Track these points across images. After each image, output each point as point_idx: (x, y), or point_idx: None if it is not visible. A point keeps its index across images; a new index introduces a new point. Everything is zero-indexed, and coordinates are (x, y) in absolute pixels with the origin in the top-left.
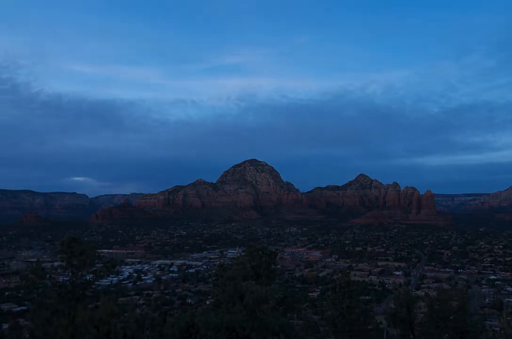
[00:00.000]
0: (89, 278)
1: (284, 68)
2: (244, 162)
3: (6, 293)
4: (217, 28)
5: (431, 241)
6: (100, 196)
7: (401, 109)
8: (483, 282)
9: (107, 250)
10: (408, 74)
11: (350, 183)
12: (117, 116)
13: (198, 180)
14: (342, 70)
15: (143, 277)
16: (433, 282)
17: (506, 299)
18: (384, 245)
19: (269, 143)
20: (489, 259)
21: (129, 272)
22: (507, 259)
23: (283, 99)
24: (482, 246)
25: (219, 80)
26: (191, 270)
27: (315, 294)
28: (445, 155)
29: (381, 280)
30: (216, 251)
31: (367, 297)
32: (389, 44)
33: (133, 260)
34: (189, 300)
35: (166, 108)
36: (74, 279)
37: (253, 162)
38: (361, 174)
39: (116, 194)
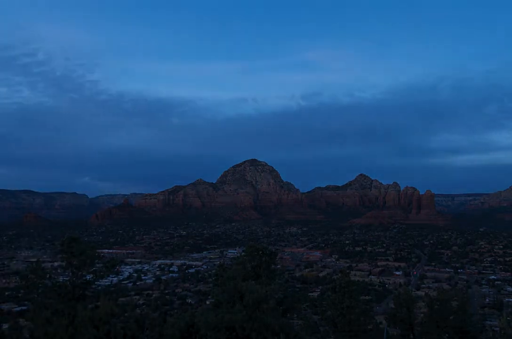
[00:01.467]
0: (89, 278)
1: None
2: (244, 162)
3: (6, 293)
4: (283, 24)
5: (431, 241)
6: (100, 196)
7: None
8: (483, 282)
9: (107, 250)
10: None
11: (350, 183)
12: (163, 115)
13: (198, 180)
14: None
15: (143, 277)
16: (433, 282)
17: (506, 299)
18: (384, 245)
19: (305, 142)
20: (489, 259)
21: (129, 272)
22: (507, 259)
23: (348, 98)
24: (482, 246)
25: (287, 77)
26: (191, 270)
27: (315, 294)
28: None
29: (381, 280)
30: (216, 251)
31: (367, 297)
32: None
33: (133, 260)
34: (189, 300)
35: (222, 106)
36: (74, 279)
37: (253, 162)
38: (361, 174)
39: (116, 194)
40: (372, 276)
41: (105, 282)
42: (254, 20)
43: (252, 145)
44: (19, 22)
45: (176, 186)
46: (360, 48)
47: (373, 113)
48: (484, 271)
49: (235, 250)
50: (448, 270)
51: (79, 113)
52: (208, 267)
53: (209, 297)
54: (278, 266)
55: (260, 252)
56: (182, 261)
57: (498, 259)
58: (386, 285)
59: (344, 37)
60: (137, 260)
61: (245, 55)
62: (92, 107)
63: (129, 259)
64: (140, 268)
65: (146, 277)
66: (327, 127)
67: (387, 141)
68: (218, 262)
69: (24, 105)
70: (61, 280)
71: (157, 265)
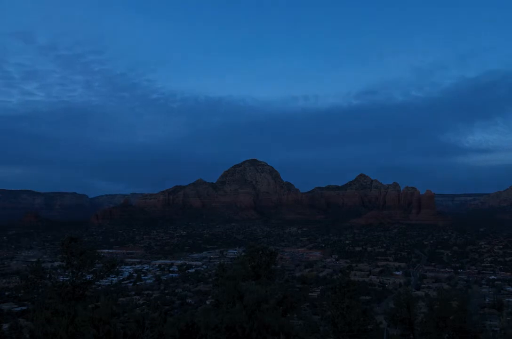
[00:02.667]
0: (89, 278)
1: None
2: (244, 162)
3: (6, 293)
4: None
5: (431, 241)
6: (100, 196)
7: None
8: (483, 282)
9: (107, 250)
10: None
11: (350, 183)
12: (206, 114)
13: (198, 180)
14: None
15: (143, 277)
16: (433, 282)
17: (506, 299)
18: (384, 245)
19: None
20: (489, 259)
21: (129, 272)
22: (507, 259)
23: (402, 97)
24: (482, 246)
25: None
26: (191, 270)
27: (315, 294)
28: None
29: (381, 280)
30: (216, 251)
31: (367, 297)
32: None
33: (133, 260)
34: (189, 300)
35: (268, 105)
36: (74, 279)
37: (253, 162)
38: (361, 174)
39: (116, 194)
40: (372, 276)
41: (105, 282)
42: (311, 18)
43: (261, 143)
44: (87, 20)
45: (176, 186)
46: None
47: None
48: (484, 271)
49: (235, 250)
50: (448, 270)
51: (122, 112)
52: (208, 267)
53: (209, 297)
54: (278, 266)
55: (260, 252)
56: (182, 261)
57: (498, 259)
58: (386, 285)
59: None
60: (137, 260)
61: (303, 52)
62: (137, 106)
63: (129, 259)
64: (140, 268)
65: (146, 277)
66: (363, 125)
67: (420, 139)
68: (218, 262)
69: (70, 104)
70: (61, 280)
71: (157, 265)
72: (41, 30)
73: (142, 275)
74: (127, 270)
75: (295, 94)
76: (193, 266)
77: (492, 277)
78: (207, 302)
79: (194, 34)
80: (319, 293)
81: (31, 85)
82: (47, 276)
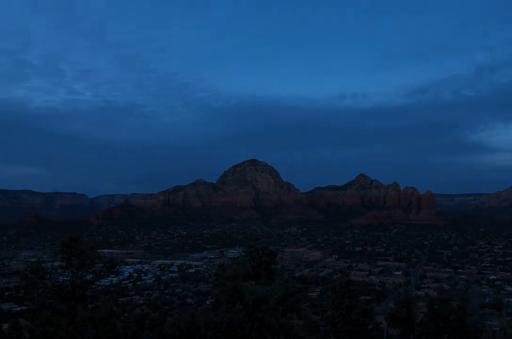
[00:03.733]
0: (89, 278)
1: None
2: (244, 162)
3: (6, 293)
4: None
5: (431, 241)
6: (100, 196)
7: None
8: (483, 282)
9: (107, 250)
10: None
11: (350, 183)
12: (246, 115)
13: (198, 180)
14: None
15: (143, 277)
16: (433, 282)
17: (506, 299)
18: (384, 245)
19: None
20: (489, 259)
21: (129, 272)
22: (507, 259)
23: (451, 96)
24: (482, 246)
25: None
26: (191, 270)
27: (315, 294)
28: None
29: (381, 280)
30: (216, 251)
31: (367, 297)
32: None
33: (133, 260)
34: (189, 300)
35: (317, 103)
36: (74, 279)
37: (253, 162)
38: (361, 174)
39: (116, 194)
40: (372, 276)
41: (105, 282)
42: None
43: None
44: (150, 22)
45: (176, 186)
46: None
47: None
48: (484, 271)
49: (235, 250)
50: (448, 270)
51: (161, 111)
52: (208, 267)
53: (209, 297)
54: (278, 266)
55: (260, 252)
56: (182, 261)
57: (498, 259)
58: (386, 285)
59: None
60: (137, 260)
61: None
62: (178, 106)
63: (129, 259)
64: (140, 268)
65: (146, 277)
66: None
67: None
68: (218, 262)
69: (111, 103)
70: (61, 280)
71: (157, 265)
72: (105, 28)
73: (142, 275)
74: (127, 270)
75: (346, 91)
76: (193, 266)
77: (492, 277)
78: (207, 302)
79: (240, 30)
80: (319, 293)
81: (81, 84)
82: (47, 276)
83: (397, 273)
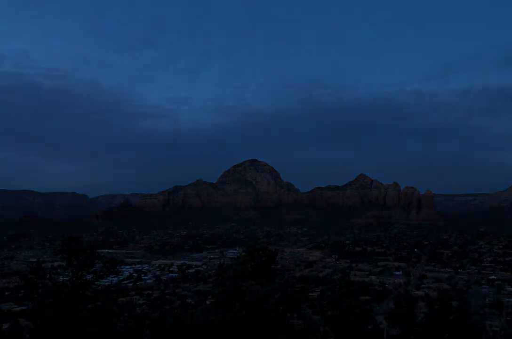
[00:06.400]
0: (89, 278)
1: None
2: (244, 162)
3: (6, 293)
4: None
5: (431, 241)
6: (100, 196)
7: None
8: (483, 282)
9: (107, 250)
10: None
11: (350, 183)
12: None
13: (198, 180)
14: None
15: (143, 277)
16: (433, 282)
17: (506, 299)
18: (384, 245)
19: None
20: (489, 259)
21: (129, 272)
22: (507, 259)
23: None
24: (482, 246)
25: None
26: (191, 270)
27: (315, 294)
28: None
29: (381, 280)
30: (216, 251)
31: (367, 297)
32: None
33: (133, 260)
34: (189, 300)
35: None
36: (74, 279)
37: (253, 162)
38: (361, 174)
39: (116, 194)
40: (372, 276)
41: (105, 282)
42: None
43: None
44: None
45: (176, 186)
46: None
47: None
48: (484, 271)
49: (235, 250)
50: (448, 270)
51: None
52: (208, 267)
53: (209, 297)
54: (278, 266)
55: (260, 252)
56: (182, 261)
57: (498, 259)
58: (386, 285)
59: None
60: (137, 260)
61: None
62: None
63: (129, 259)
64: (140, 268)
65: (146, 277)
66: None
67: None
68: (218, 262)
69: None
70: (61, 280)
71: (157, 265)
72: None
73: (142, 275)
74: (127, 270)
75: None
76: (193, 266)
77: (492, 277)
78: (207, 302)
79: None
80: (319, 293)
81: None
82: (47, 276)
83: (397, 273)
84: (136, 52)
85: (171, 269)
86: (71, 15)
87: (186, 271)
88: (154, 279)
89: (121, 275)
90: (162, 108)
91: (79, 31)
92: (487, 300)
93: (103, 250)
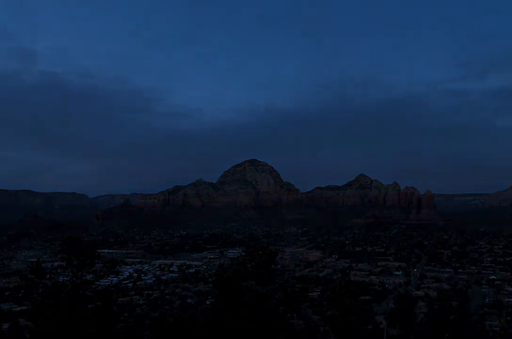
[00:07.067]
0: (89, 278)
1: None
2: (244, 162)
3: (6, 293)
4: None
5: (431, 241)
6: (100, 196)
7: None
8: (483, 282)
9: (107, 250)
10: None
11: (350, 183)
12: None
13: (198, 180)
14: None
15: (143, 277)
16: (433, 282)
17: (506, 299)
18: (384, 245)
19: None
20: (489, 259)
21: (129, 272)
22: (507, 259)
23: None
24: (482, 246)
25: None
26: (191, 270)
27: (315, 294)
28: None
29: (381, 280)
30: (216, 251)
31: (367, 297)
32: None
33: (133, 260)
34: (189, 300)
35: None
36: (74, 279)
37: (253, 162)
38: (361, 174)
39: (116, 194)
40: (372, 276)
41: (105, 282)
42: None
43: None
44: None
45: (176, 186)
46: None
47: None
48: (484, 271)
49: (235, 250)
50: (448, 270)
51: None
52: (208, 267)
53: (209, 297)
54: (278, 266)
55: (260, 252)
56: (182, 261)
57: (498, 259)
58: (386, 285)
59: None
60: (137, 260)
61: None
62: None
63: (129, 259)
64: (140, 268)
65: (146, 277)
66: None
67: None
68: (218, 262)
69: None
70: (61, 280)
71: (157, 265)
72: None
73: (142, 275)
74: (127, 270)
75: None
76: (193, 266)
77: (492, 277)
78: (207, 302)
79: None
80: (319, 293)
81: None
82: (47, 276)
83: (397, 273)
84: (172, 49)
85: (171, 269)
86: (109, 12)
87: (186, 271)
88: (154, 279)
89: (121, 275)
90: (187, 108)
91: (118, 29)
92: (487, 300)
93: (103, 250)
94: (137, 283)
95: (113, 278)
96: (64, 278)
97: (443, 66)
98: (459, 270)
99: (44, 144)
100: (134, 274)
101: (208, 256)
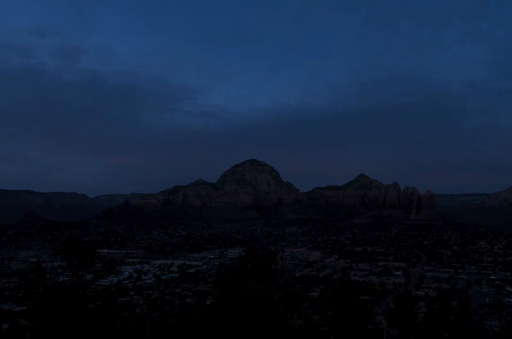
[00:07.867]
0: (89, 278)
1: None
2: (244, 162)
3: (6, 293)
4: None
5: (431, 241)
6: (100, 196)
7: None
8: (483, 282)
9: (107, 250)
10: None
11: (350, 183)
12: None
13: (198, 180)
14: None
15: (143, 277)
16: (433, 282)
17: (506, 299)
18: (384, 245)
19: None
20: (489, 259)
21: (129, 272)
22: (507, 259)
23: None
24: (482, 246)
25: None
26: (191, 270)
27: (315, 294)
28: None
29: (381, 280)
30: (216, 251)
31: (367, 297)
32: None
33: (133, 260)
34: (189, 300)
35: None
36: (74, 279)
37: (253, 162)
38: (361, 174)
39: (116, 194)
40: (372, 276)
41: (105, 282)
42: None
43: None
44: None
45: (176, 186)
46: None
47: None
48: (484, 271)
49: (235, 250)
50: (448, 270)
51: None
52: (208, 267)
53: (209, 297)
54: (278, 266)
55: (260, 252)
56: (182, 261)
57: (498, 259)
58: (386, 285)
59: None
60: (137, 260)
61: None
62: None
63: (129, 259)
64: (140, 268)
65: (146, 277)
66: None
67: None
68: (218, 262)
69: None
70: (61, 280)
71: (157, 265)
72: None
73: (142, 275)
74: (127, 270)
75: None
76: (193, 266)
77: (492, 277)
78: (207, 302)
79: None
80: (319, 293)
81: None
82: (47, 276)
83: (397, 273)
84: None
85: (171, 269)
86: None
87: (186, 271)
88: (154, 279)
89: (121, 275)
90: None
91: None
92: (487, 300)
93: (103, 250)
94: (137, 283)
95: (113, 278)
96: (64, 278)
97: None
98: (459, 270)
99: (64, 144)
100: (134, 274)
101: (208, 256)
